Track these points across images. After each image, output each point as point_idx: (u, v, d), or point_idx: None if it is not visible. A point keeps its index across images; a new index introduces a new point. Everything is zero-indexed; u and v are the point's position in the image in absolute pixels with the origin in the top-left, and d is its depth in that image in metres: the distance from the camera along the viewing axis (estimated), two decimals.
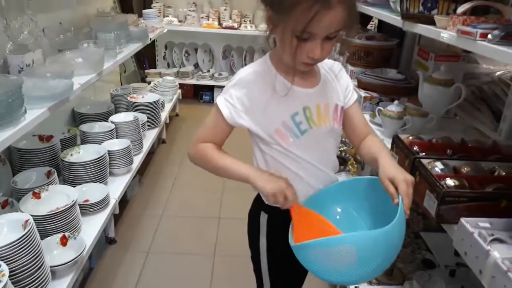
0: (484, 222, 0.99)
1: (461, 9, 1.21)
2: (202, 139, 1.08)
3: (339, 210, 1.10)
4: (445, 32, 1.22)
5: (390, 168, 0.96)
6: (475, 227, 0.97)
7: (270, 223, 1.11)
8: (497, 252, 0.86)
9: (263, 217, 1.11)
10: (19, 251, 1.33)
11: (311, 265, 0.93)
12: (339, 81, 1.12)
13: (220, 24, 4.45)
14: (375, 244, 0.86)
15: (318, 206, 1.07)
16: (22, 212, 1.64)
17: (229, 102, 1.02)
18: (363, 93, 1.98)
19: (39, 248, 1.43)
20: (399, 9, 1.55)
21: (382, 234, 0.86)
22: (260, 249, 1.13)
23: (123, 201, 2.54)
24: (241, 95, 1.01)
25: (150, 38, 3.29)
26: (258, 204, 1.12)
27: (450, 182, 1.11)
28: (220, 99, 1.04)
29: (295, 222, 0.99)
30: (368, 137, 1.14)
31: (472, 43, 1.05)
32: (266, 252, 1.12)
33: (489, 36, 1.00)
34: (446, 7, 1.33)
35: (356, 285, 1.60)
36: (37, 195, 1.81)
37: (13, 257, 1.32)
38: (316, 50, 0.93)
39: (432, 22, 1.34)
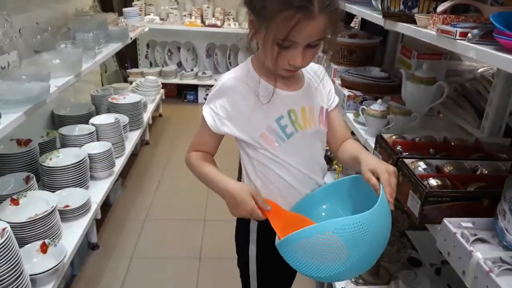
0: (466, 222, 0.98)
1: (441, 7, 1.20)
2: (193, 148, 1.11)
3: (323, 214, 1.09)
4: (425, 30, 1.21)
5: (371, 161, 0.96)
6: (458, 227, 0.96)
7: (260, 230, 1.09)
8: (479, 253, 0.86)
9: (253, 224, 1.10)
10: None
11: (297, 262, 0.90)
12: (324, 84, 1.12)
13: (203, 22, 4.41)
14: (357, 229, 0.82)
15: (305, 210, 1.06)
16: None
17: (213, 110, 1.02)
18: (346, 92, 1.98)
19: (17, 256, 1.39)
20: (380, 7, 1.54)
21: (362, 218, 0.83)
22: (249, 256, 1.11)
23: (106, 205, 2.50)
24: (224, 102, 1.00)
25: (131, 38, 3.23)
26: None
27: (433, 182, 1.10)
28: (205, 108, 1.04)
29: (275, 226, 0.97)
30: (348, 141, 1.14)
31: (452, 42, 1.04)
32: (256, 258, 1.11)
33: (469, 35, 0.99)
34: (427, 6, 1.32)
35: (342, 285, 1.60)
36: (15, 202, 1.75)
37: None
38: (297, 58, 0.92)
39: (413, 21, 1.33)
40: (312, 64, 1.11)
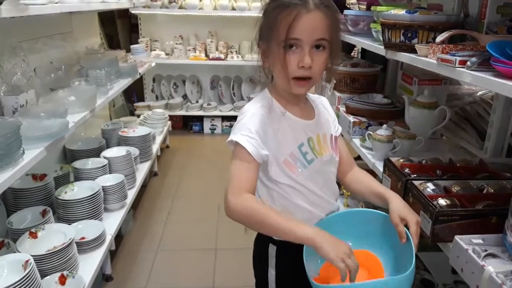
0: (477, 239, 1.03)
1: (439, 38, 1.29)
2: (240, 188, 0.97)
3: (350, 243, 1.12)
4: (426, 60, 1.29)
5: (401, 205, 1.03)
6: (469, 243, 1.01)
7: (279, 254, 1.12)
8: (491, 267, 0.90)
9: (272, 249, 1.12)
10: None
11: None
12: (329, 113, 1.20)
13: (207, 55, 4.55)
14: (404, 282, 0.91)
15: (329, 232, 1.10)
16: (19, 252, 1.64)
17: (249, 136, 0.99)
18: (352, 118, 2.05)
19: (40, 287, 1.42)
20: (381, 38, 1.63)
21: (410, 274, 0.91)
22: (268, 280, 1.14)
23: (118, 237, 2.53)
24: (258, 128, 1.00)
25: (140, 73, 3.35)
26: (265, 236, 1.13)
27: (442, 201, 1.15)
28: (238, 137, 0.99)
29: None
30: (356, 169, 1.22)
31: (452, 70, 1.12)
32: (275, 283, 1.14)
33: (468, 63, 1.07)
34: (426, 36, 1.41)
35: None
36: (33, 235, 1.80)
37: None
38: (304, 57, 0.96)
39: (413, 50, 1.41)
40: (317, 96, 1.20)
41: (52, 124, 1.75)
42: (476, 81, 1.03)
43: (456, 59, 1.11)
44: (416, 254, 1.83)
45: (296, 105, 1.09)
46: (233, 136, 1.01)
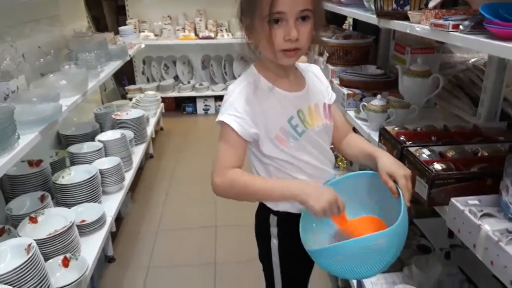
0: (473, 200, 1.05)
1: (432, 3, 1.28)
2: (226, 165, 1.02)
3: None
4: (419, 26, 1.29)
5: (389, 162, 1.05)
6: (465, 205, 1.03)
7: (281, 224, 1.15)
8: (487, 225, 0.92)
9: (273, 219, 1.15)
10: (25, 275, 1.34)
11: (340, 268, 0.98)
12: (321, 81, 1.19)
13: (196, 35, 4.50)
14: (396, 234, 0.96)
15: None
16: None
17: (235, 115, 1.00)
18: (346, 90, 2.05)
19: (44, 270, 1.44)
20: (373, 7, 1.62)
21: (400, 224, 0.94)
22: (271, 248, 1.17)
23: (118, 219, 2.55)
24: (245, 106, 1.01)
25: (129, 55, 3.31)
26: (266, 207, 1.16)
27: (437, 166, 1.17)
28: (225, 117, 1.01)
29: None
30: (350, 135, 1.22)
31: (445, 35, 1.12)
32: (278, 250, 1.16)
33: (461, 27, 1.06)
34: (418, 3, 1.40)
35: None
36: (33, 220, 1.81)
37: (20, 282, 1.33)
38: (290, 30, 0.96)
39: (406, 18, 1.40)
40: (307, 64, 1.19)
41: (45, 108, 1.73)
42: (470, 44, 1.03)
43: (449, 23, 1.11)
44: (412, 221, 1.87)
45: (284, 78, 1.09)
46: (220, 116, 1.03)
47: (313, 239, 1.07)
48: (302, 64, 1.17)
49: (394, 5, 1.45)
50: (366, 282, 1.59)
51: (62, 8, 3.12)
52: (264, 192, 1.01)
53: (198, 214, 2.71)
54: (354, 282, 1.71)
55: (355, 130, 1.99)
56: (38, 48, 2.54)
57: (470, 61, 2.06)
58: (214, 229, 2.54)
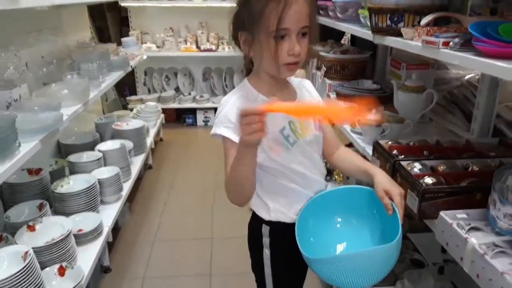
0: (461, 214, 1.07)
1: (424, 20, 1.31)
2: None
3: (339, 225, 1.18)
4: (412, 42, 1.32)
5: (385, 180, 1.09)
6: (454, 218, 1.05)
7: (273, 234, 1.17)
8: (474, 239, 0.94)
9: (265, 229, 1.17)
10: (21, 282, 1.36)
11: (333, 278, 1.01)
12: (312, 94, 1.24)
13: (198, 47, 4.56)
14: (392, 251, 0.99)
15: (316, 215, 1.15)
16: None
17: (230, 127, 1.04)
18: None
19: (40, 278, 1.45)
20: (369, 23, 1.66)
21: (396, 242, 0.98)
22: (263, 259, 1.19)
23: (115, 229, 2.55)
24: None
25: (131, 66, 3.35)
26: (258, 217, 1.18)
27: (428, 180, 1.19)
28: (222, 131, 1.05)
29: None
30: (342, 149, 1.26)
31: (436, 51, 1.15)
32: (270, 261, 1.18)
33: (451, 44, 1.10)
34: (412, 20, 1.43)
35: None
36: (31, 228, 1.82)
37: None
38: (294, 45, 1.01)
39: (399, 34, 1.44)
40: (300, 79, 1.24)
41: (47, 117, 1.76)
42: (458, 61, 1.06)
43: (440, 40, 1.14)
44: (406, 235, 1.89)
45: (277, 91, 1.12)
46: (217, 130, 1.06)
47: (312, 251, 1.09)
48: (295, 79, 1.21)
49: (389, 22, 1.48)
50: None
51: (65, 19, 3.18)
52: (233, 167, 1.01)
53: (195, 225, 2.72)
54: None
55: (350, 143, 2.02)
56: (41, 57, 2.58)
57: (465, 78, 2.10)
58: (210, 240, 2.55)
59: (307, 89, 1.23)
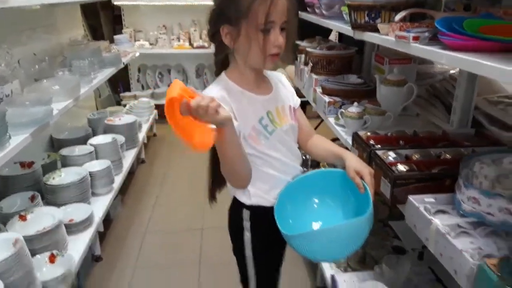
0: (429, 198, 1.13)
1: (398, 16, 1.37)
2: None
3: (316, 206, 1.25)
4: (387, 37, 1.38)
5: (355, 161, 1.16)
6: (421, 202, 1.11)
7: (253, 218, 1.23)
8: (438, 220, 1.00)
9: (246, 213, 1.23)
10: (11, 267, 1.41)
11: (310, 251, 1.09)
12: (286, 87, 1.31)
13: (191, 44, 4.60)
14: (365, 223, 1.05)
15: (294, 195, 1.22)
16: None
17: None
18: (327, 98, 2.13)
19: (30, 264, 1.50)
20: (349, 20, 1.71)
21: (369, 215, 1.04)
22: (244, 242, 1.24)
23: (107, 221, 2.61)
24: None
25: (123, 62, 3.40)
26: (239, 202, 1.23)
27: (401, 167, 1.25)
28: None
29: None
30: (316, 136, 1.33)
31: (407, 46, 1.20)
32: (251, 243, 1.24)
33: (420, 38, 1.16)
34: (388, 16, 1.49)
35: (332, 273, 1.72)
36: (23, 218, 1.87)
37: (7, 274, 1.39)
38: (279, 37, 1.08)
39: (377, 30, 1.49)
40: (275, 73, 1.32)
41: (37, 111, 1.81)
42: (426, 55, 1.12)
43: (410, 35, 1.19)
44: (388, 224, 1.95)
45: (254, 83, 1.19)
46: None
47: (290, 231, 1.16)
48: (270, 72, 1.28)
49: (367, 18, 1.54)
50: (340, 280, 1.65)
51: (58, 17, 3.22)
52: (220, 154, 1.06)
53: (186, 217, 2.78)
54: (329, 280, 1.77)
55: (337, 140, 2.07)
56: (34, 55, 2.62)
57: (449, 72, 2.15)
58: (200, 231, 2.61)
59: (281, 82, 1.30)
